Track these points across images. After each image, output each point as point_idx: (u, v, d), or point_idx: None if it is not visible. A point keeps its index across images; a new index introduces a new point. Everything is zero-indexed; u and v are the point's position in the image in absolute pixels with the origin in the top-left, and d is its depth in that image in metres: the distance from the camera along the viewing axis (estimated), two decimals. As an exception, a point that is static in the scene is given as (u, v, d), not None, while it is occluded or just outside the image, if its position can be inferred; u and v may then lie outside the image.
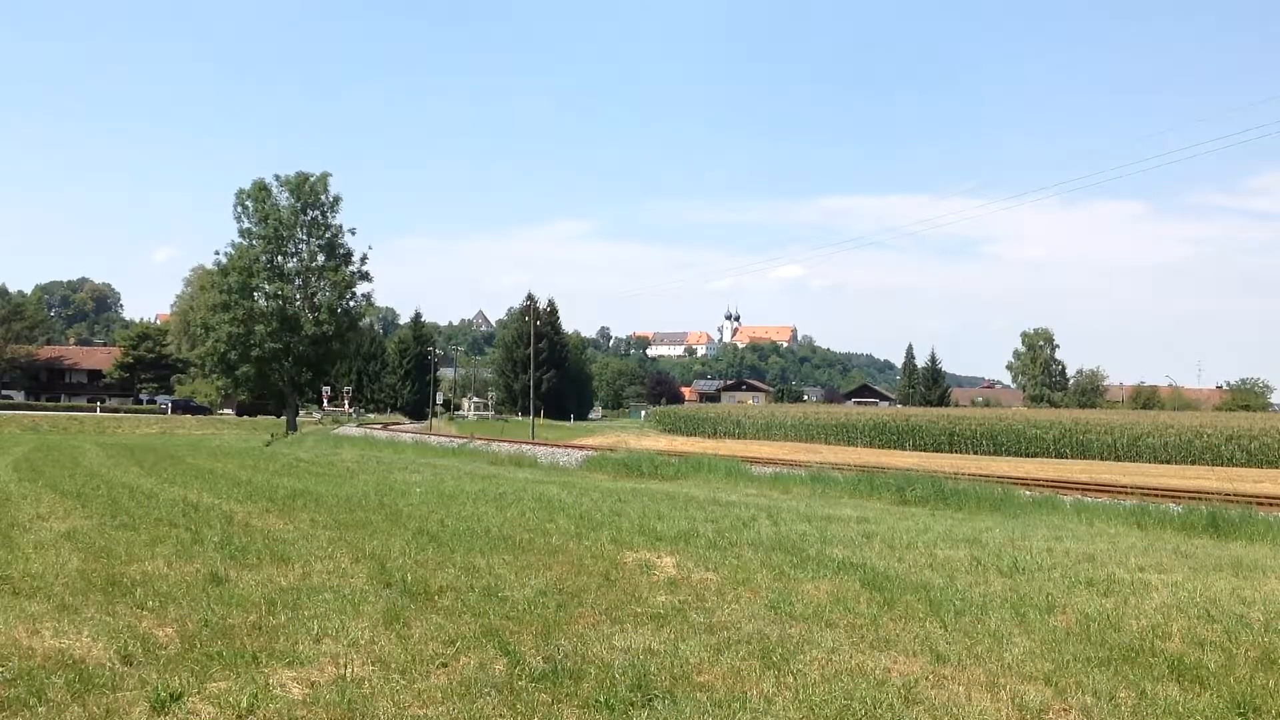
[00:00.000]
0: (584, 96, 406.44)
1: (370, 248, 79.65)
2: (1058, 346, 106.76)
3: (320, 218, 62.49)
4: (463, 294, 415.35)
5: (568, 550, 8.76)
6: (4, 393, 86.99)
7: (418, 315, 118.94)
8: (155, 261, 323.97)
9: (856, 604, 6.71)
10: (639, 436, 57.61)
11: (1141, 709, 4.62)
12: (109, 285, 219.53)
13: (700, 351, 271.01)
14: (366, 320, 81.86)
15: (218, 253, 62.01)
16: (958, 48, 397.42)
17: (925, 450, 48.36)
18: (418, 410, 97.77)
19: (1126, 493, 16.93)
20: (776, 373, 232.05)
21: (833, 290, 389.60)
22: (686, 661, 5.19)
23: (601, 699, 4.57)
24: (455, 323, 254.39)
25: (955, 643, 5.70)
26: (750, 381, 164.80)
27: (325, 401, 71.51)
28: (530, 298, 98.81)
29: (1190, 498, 15.83)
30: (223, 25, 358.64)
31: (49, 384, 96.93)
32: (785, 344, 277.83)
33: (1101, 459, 42.46)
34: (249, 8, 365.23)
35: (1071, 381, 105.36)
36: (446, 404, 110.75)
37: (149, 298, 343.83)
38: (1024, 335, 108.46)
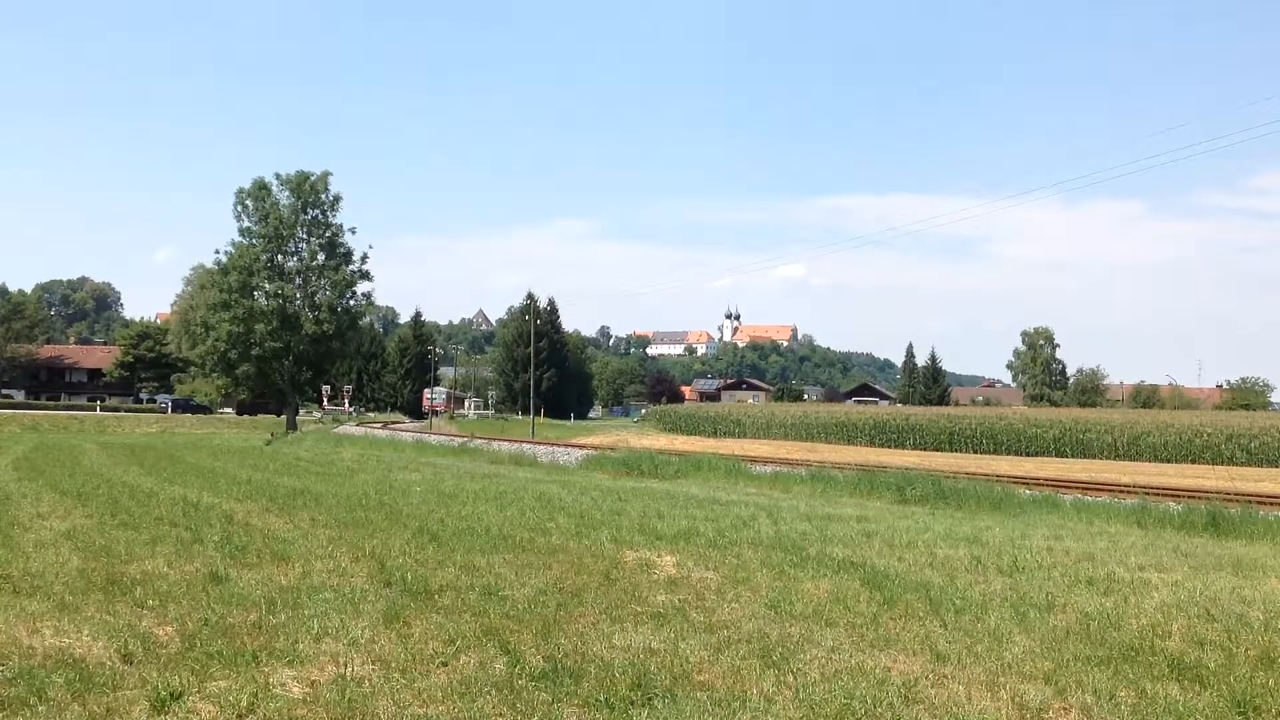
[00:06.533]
0: (584, 96, 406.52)
1: (370, 247, 79.06)
2: (1058, 346, 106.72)
3: (320, 217, 62.61)
4: (463, 293, 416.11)
5: (568, 549, 8.77)
6: (4, 392, 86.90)
7: (418, 314, 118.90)
8: (155, 261, 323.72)
9: (856, 603, 6.71)
10: (639, 435, 57.60)
11: (1141, 708, 4.62)
12: (109, 284, 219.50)
13: (700, 351, 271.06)
14: (367, 319, 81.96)
15: (218, 252, 62.22)
16: (958, 47, 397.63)
17: (925, 449, 48.27)
18: (418, 409, 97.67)
19: (1127, 492, 16.88)
20: (776, 372, 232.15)
21: (833, 289, 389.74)
22: (686, 660, 5.19)
23: (601, 698, 4.57)
24: (455, 322, 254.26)
25: (955, 642, 5.71)
26: (750, 380, 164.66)
27: (325, 400, 71.47)
28: (530, 297, 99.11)
29: (1190, 497, 15.78)
30: (223, 25, 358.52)
31: (49, 383, 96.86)
32: (785, 343, 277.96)
33: (1101, 458, 42.39)
34: (249, 7, 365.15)
35: (1071, 381, 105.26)
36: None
37: (149, 297, 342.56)
38: (1024, 334, 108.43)
